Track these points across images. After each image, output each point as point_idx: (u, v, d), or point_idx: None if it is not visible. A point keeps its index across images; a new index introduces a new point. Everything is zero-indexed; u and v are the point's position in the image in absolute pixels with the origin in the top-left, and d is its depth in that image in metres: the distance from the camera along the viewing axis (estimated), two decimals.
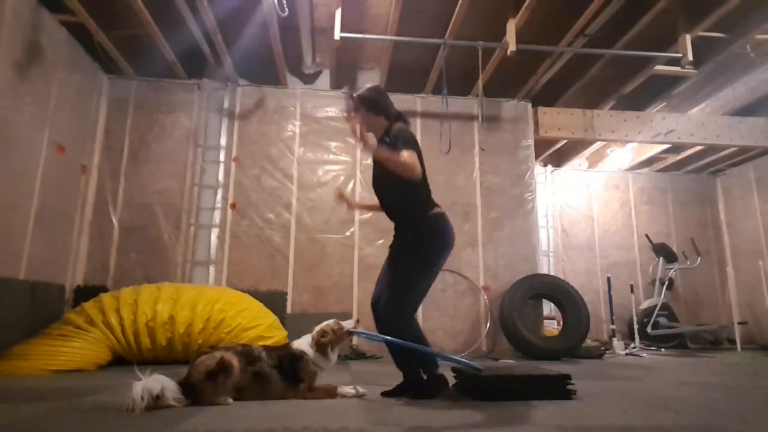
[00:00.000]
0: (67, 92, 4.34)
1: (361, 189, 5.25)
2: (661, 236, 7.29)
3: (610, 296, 5.71)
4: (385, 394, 2.35)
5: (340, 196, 2.72)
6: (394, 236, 2.54)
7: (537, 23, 4.47)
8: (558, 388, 2.31)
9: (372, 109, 2.51)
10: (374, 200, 2.67)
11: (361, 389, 2.33)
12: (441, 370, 2.37)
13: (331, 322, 2.42)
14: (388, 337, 2.34)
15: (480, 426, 1.77)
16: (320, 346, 2.32)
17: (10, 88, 3.62)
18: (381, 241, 5.06)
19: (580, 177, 7.66)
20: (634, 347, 5.62)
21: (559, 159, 7.55)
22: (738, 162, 7.31)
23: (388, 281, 2.42)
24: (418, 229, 2.38)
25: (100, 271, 4.69)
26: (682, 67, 4.77)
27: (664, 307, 6.25)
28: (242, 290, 4.37)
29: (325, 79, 5.55)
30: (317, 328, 2.40)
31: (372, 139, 2.58)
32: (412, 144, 2.35)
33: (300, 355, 2.30)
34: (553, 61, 5.01)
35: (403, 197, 2.43)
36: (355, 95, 2.58)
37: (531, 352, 4.63)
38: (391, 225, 2.58)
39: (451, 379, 2.65)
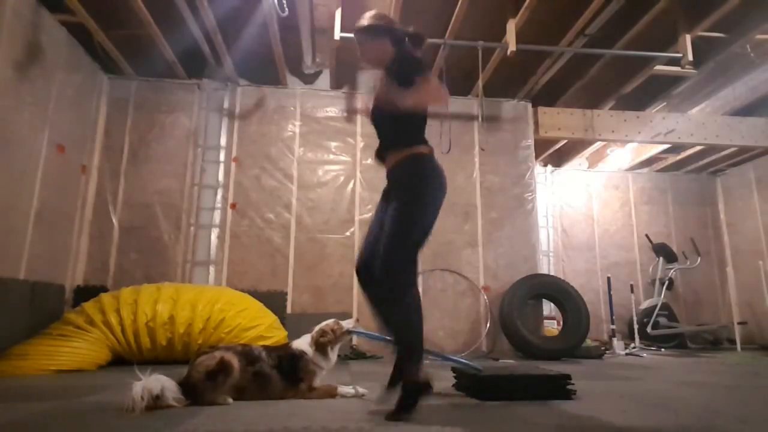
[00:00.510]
0: (67, 92, 4.34)
1: (361, 189, 5.25)
2: (661, 236, 7.29)
3: (610, 296, 5.71)
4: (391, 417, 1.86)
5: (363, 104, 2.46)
6: (386, 186, 2.28)
7: (537, 23, 4.47)
8: (558, 388, 2.31)
9: (370, 34, 2.26)
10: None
11: (361, 389, 2.33)
12: (424, 376, 1.92)
13: (330, 321, 2.43)
14: (386, 337, 2.34)
15: (480, 426, 1.77)
16: (320, 346, 2.33)
17: (10, 88, 3.62)
18: None
19: (580, 177, 7.66)
20: (634, 347, 5.62)
21: (559, 159, 7.56)
22: (738, 162, 7.31)
23: (383, 234, 2.05)
24: (403, 164, 2.14)
25: (100, 271, 4.69)
26: (682, 67, 4.77)
27: (664, 307, 6.25)
28: (242, 290, 4.37)
29: (325, 79, 5.55)
30: (316, 327, 2.40)
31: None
32: (423, 69, 2.06)
33: (300, 355, 2.30)
34: (553, 61, 5.01)
35: (399, 127, 2.18)
36: (356, 29, 2.30)
37: (531, 352, 4.63)
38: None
39: (451, 379, 2.66)
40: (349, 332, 2.44)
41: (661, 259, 6.79)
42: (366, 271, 2.13)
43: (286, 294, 4.86)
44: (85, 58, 4.65)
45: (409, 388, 1.89)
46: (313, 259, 5.03)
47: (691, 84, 5.51)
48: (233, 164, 5.14)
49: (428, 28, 4.60)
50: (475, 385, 2.35)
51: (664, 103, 6.02)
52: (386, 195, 2.25)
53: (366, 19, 2.28)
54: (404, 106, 1.99)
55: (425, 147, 2.19)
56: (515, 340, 4.76)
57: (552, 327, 5.85)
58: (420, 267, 2.23)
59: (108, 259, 4.73)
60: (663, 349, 5.92)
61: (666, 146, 6.67)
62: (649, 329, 5.99)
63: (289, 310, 4.81)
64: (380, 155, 2.29)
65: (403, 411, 1.84)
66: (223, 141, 5.20)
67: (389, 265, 1.99)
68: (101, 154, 4.93)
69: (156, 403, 1.91)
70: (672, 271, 6.72)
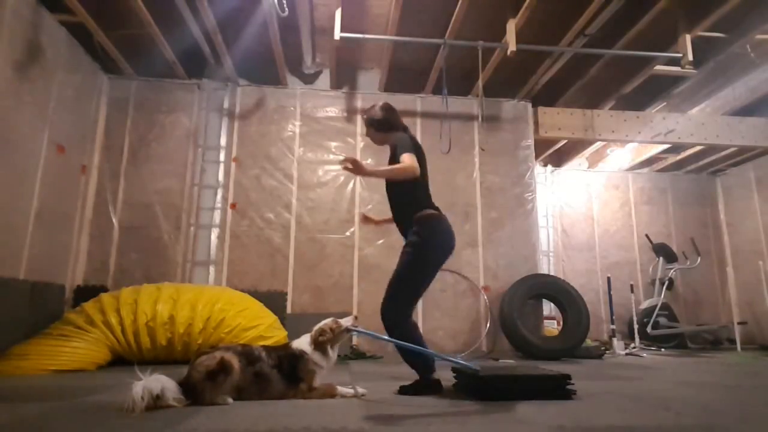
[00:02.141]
0: (67, 92, 4.34)
1: (361, 189, 5.25)
2: (661, 236, 7.30)
3: (610, 296, 5.71)
4: (401, 391, 2.46)
5: (365, 219, 2.92)
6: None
7: (537, 23, 4.47)
8: (558, 388, 2.31)
9: (381, 128, 2.71)
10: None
11: (360, 389, 2.33)
12: (436, 375, 2.48)
13: (329, 320, 2.43)
14: (385, 336, 2.37)
15: (480, 426, 1.77)
16: (319, 345, 2.33)
17: (10, 88, 3.62)
18: (381, 241, 5.07)
19: (580, 177, 7.66)
20: (634, 347, 5.62)
21: (559, 159, 7.56)
22: (738, 162, 7.31)
23: (390, 279, 2.52)
24: (414, 229, 2.49)
25: (100, 271, 4.69)
26: (682, 67, 4.76)
27: (664, 307, 6.25)
28: (242, 290, 4.37)
29: (325, 79, 5.55)
30: (316, 327, 2.41)
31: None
32: (409, 148, 2.49)
33: (300, 355, 2.30)
34: (553, 61, 5.01)
35: (402, 197, 2.58)
36: (365, 116, 2.75)
37: (531, 352, 4.63)
38: (391, 225, 2.61)
39: (452, 380, 2.66)
40: (348, 330, 2.44)
41: (661, 259, 6.79)
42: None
43: (286, 294, 4.86)
44: (85, 58, 4.65)
45: (423, 382, 2.46)
46: (313, 259, 5.03)
47: (691, 84, 5.51)
48: (233, 164, 5.14)
49: (428, 28, 4.61)
50: (475, 385, 2.35)
51: (664, 103, 6.02)
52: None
53: (375, 110, 2.71)
54: (378, 174, 2.48)
55: (430, 210, 2.53)
56: (515, 340, 4.76)
57: (552, 327, 5.85)
58: None
59: (108, 259, 4.73)
60: (663, 349, 5.92)
61: (666, 146, 6.67)
62: (649, 329, 5.99)
63: (289, 310, 4.81)
64: (396, 223, 2.67)
65: (413, 390, 2.43)
66: (223, 141, 5.20)
67: (385, 307, 2.47)
68: (101, 154, 4.93)
69: (156, 403, 1.91)
70: (672, 271, 6.72)
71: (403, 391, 2.44)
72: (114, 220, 4.81)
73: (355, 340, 4.76)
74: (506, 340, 4.90)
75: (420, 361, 2.47)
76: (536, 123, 5.79)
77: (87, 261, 4.69)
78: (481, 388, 2.30)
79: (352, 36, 4.45)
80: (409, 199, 2.56)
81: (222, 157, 5.16)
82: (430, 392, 2.43)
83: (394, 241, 2.99)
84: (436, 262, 2.51)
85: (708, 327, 6.62)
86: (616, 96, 5.72)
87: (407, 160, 2.41)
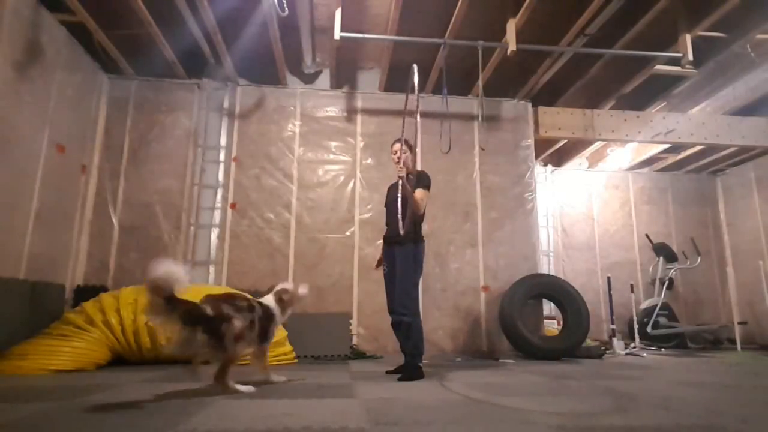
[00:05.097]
0: (67, 92, 4.34)
1: (362, 189, 5.25)
2: (661, 236, 7.29)
3: (610, 296, 5.71)
4: (388, 372, 3.26)
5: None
6: (387, 248, 3.45)
7: (537, 23, 4.47)
8: None
9: (413, 151, 3.53)
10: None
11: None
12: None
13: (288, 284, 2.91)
14: None
15: (480, 426, 1.77)
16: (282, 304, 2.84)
17: (10, 88, 3.62)
18: (380, 241, 5.05)
19: (580, 177, 7.66)
20: (634, 347, 5.62)
21: (559, 159, 7.55)
22: (738, 162, 7.31)
23: (398, 285, 3.24)
24: (422, 246, 3.31)
25: (100, 271, 4.69)
26: (682, 67, 4.77)
27: (664, 306, 6.25)
28: (242, 290, 4.35)
29: (325, 79, 5.55)
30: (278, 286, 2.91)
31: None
32: (428, 186, 3.29)
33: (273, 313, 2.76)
34: (553, 61, 5.01)
35: (417, 219, 3.27)
36: (407, 142, 3.49)
37: (531, 352, 4.63)
38: None
39: (455, 379, 2.65)
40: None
41: (661, 258, 6.79)
42: (392, 308, 3.31)
43: None
44: (85, 57, 4.65)
45: (414, 369, 3.10)
46: (313, 259, 5.03)
47: (691, 84, 5.51)
48: (233, 164, 5.14)
49: (428, 28, 4.61)
50: None
51: (665, 103, 6.02)
52: (393, 258, 3.37)
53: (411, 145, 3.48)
54: (409, 196, 3.15)
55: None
56: (515, 340, 4.76)
57: (552, 327, 5.84)
58: None
59: (108, 259, 4.73)
60: (663, 349, 5.92)
61: (666, 146, 6.67)
62: (649, 329, 5.99)
63: None
64: (397, 233, 3.22)
65: (408, 377, 3.03)
66: (223, 141, 5.20)
67: (407, 305, 3.18)
68: (101, 154, 4.93)
69: None
70: (672, 270, 6.72)
71: (403, 377, 3.03)
72: (114, 220, 4.81)
73: (354, 339, 4.76)
74: (506, 340, 4.90)
75: (419, 350, 3.17)
76: (536, 123, 5.79)
77: (87, 261, 4.69)
78: None
79: (352, 36, 4.44)
80: (419, 223, 3.30)
81: (222, 156, 5.16)
82: (420, 377, 3.05)
83: None
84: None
85: (708, 327, 6.61)
86: (616, 96, 5.72)
87: (423, 197, 3.24)
